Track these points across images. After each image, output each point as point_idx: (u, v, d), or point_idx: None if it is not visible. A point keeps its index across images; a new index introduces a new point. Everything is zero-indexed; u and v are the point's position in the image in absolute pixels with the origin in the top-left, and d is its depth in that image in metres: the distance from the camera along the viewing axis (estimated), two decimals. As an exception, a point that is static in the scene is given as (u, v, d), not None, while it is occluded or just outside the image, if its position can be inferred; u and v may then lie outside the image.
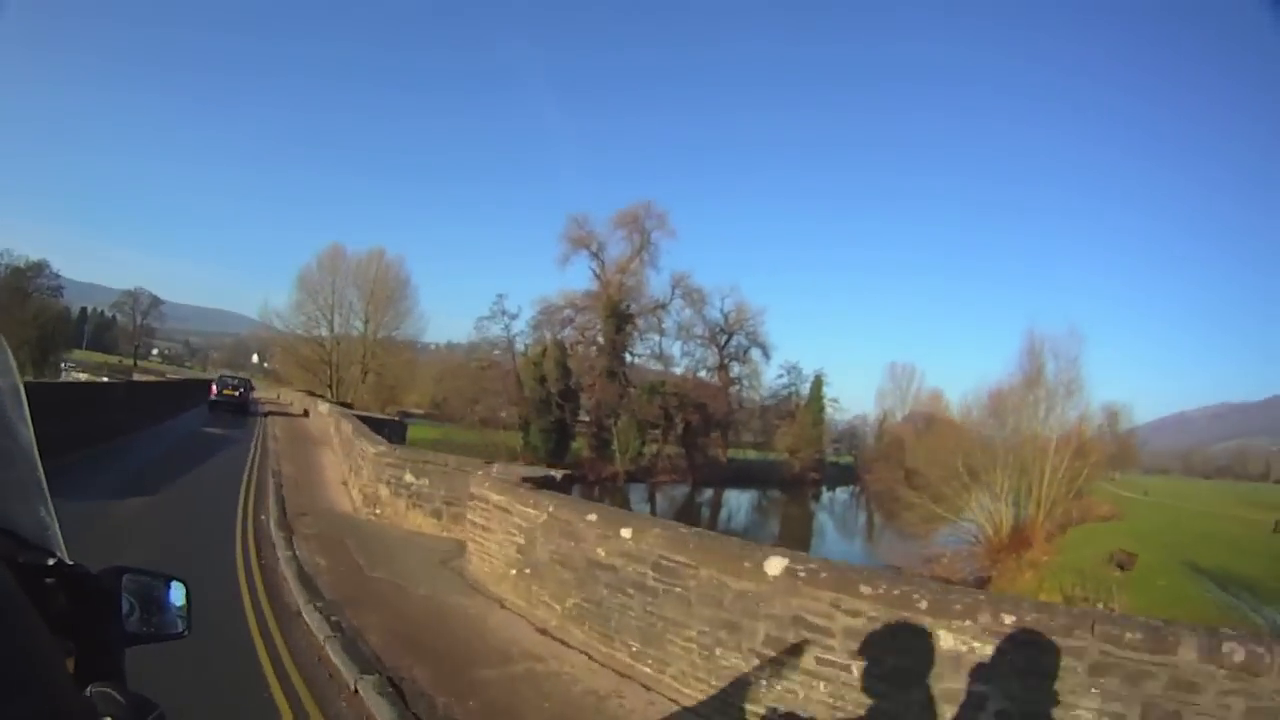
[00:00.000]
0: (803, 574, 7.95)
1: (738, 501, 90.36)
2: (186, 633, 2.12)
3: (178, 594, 2.11)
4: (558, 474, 15.78)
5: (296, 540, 14.91)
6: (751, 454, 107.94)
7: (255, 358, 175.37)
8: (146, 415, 37.38)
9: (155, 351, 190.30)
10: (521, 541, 12.28)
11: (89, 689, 1.47)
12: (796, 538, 70.68)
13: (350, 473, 23.38)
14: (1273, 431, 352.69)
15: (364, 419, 33.26)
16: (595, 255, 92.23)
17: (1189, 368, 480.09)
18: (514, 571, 12.40)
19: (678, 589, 9.22)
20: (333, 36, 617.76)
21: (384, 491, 18.35)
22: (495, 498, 13.18)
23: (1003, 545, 55.48)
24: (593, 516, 10.89)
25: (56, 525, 1.81)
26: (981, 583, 45.99)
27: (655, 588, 9.53)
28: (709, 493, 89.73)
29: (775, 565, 8.23)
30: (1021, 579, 46.95)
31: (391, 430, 34.03)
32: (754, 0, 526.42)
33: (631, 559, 9.92)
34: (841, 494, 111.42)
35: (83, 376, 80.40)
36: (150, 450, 28.68)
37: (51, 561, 1.69)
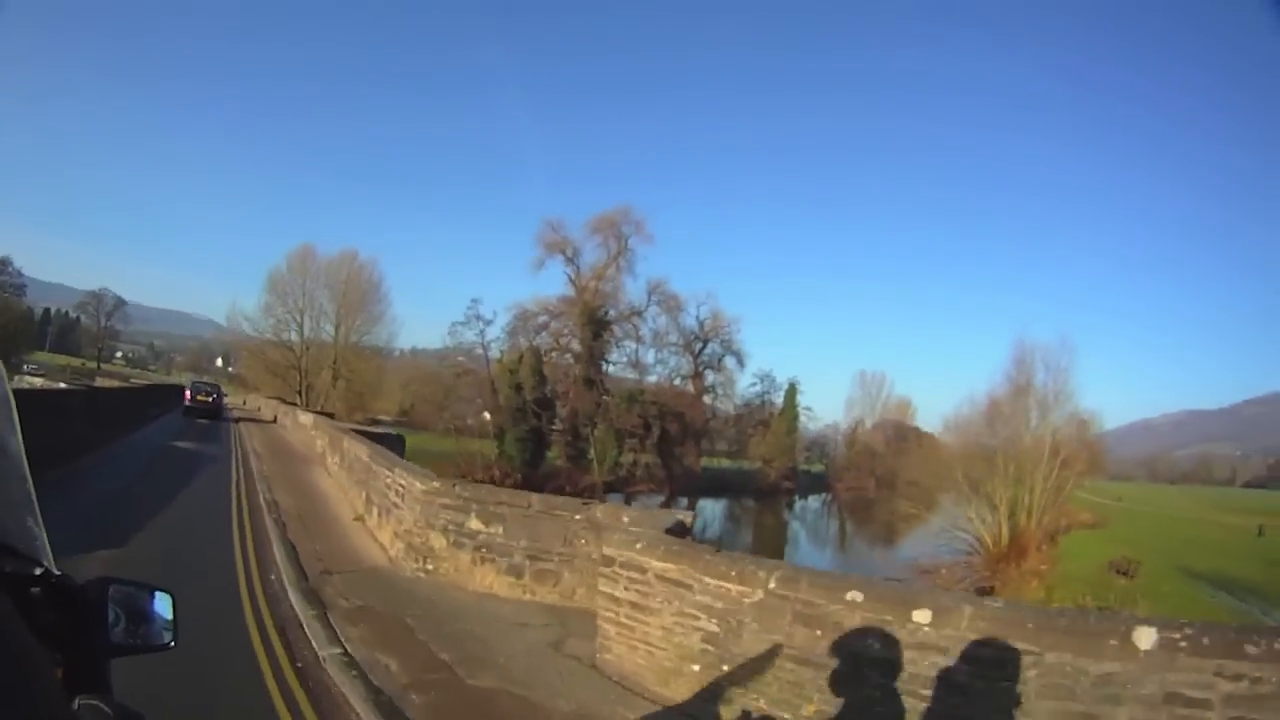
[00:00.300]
0: (1183, 644, 6.18)
1: (712, 511, 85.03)
2: (173, 644, 2.10)
3: (164, 605, 2.08)
4: (687, 518, 11.86)
5: (336, 620, 10.02)
6: (726, 463, 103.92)
7: (220, 362, 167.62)
8: (109, 427, 31.89)
9: (119, 354, 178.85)
10: (713, 629, 8.49)
11: (76, 701, 1.47)
12: (771, 547, 67.19)
13: (369, 506, 18.64)
14: (1235, 438, 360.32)
15: (360, 433, 28.15)
16: (570, 260, 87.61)
17: (1151, 376, 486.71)
18: (696, 667, 8.55)
19: (1004, 683, 6.71)
20: (305, 40, 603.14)
21: (439, 541, 13.47)
22: (657, 565, 9.08)
23: (1002, 555, 52.98)
24: (855, 595, 7.67)
25: (44, 535, 1.80)
26: (984, 592, 42.63)
27: (968, 684, 6.86)
28: (684, 502, 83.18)
29: (1146, 637, 6.31)
30: (1027, 588, 44.70)
31: (390, 445, 26.89)
32: (731, 9, 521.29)
33: (927, 649, 7.13)
34: (813, 502, 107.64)
35: (38, 382, 74.75)
36: (114, 476, 23.38)
37: (38, 571, 1.67)
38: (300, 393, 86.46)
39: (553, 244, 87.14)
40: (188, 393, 57.01)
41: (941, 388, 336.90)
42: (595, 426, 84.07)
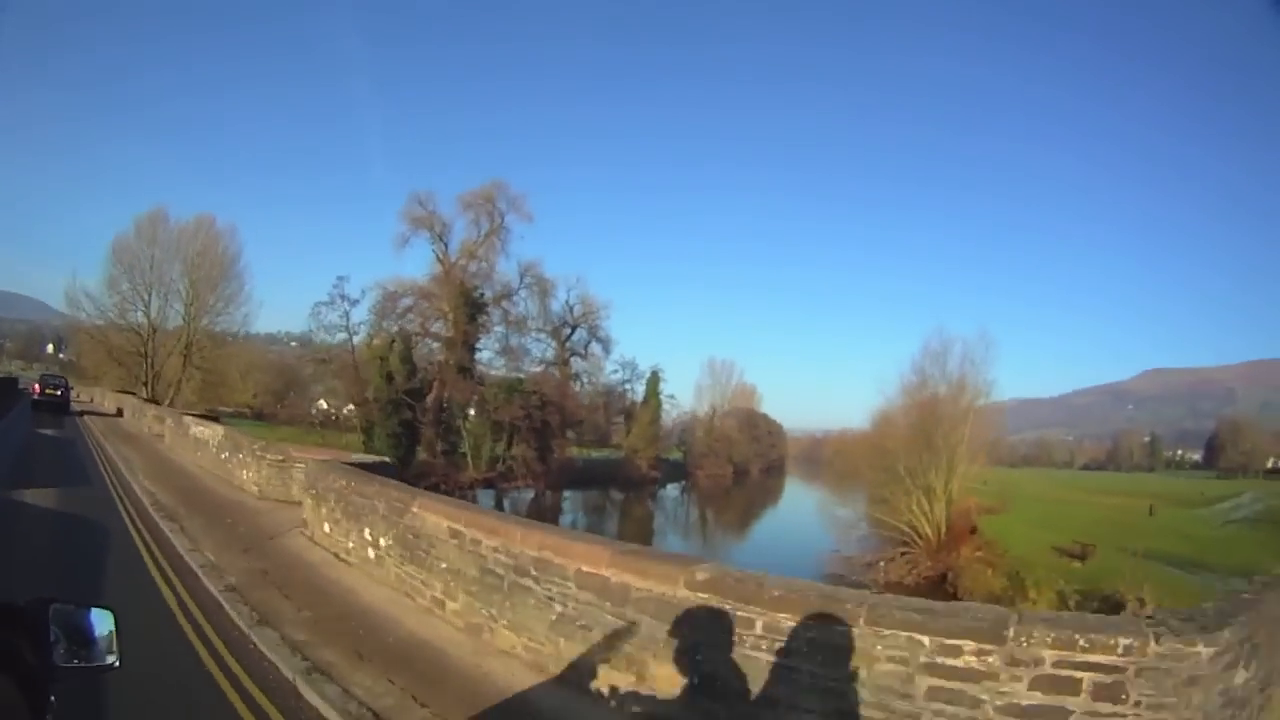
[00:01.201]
0: None
1: (580, 502, 78.24)
2: (118, 664, 2.02)
3: (105, 623, 1.99)
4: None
5: None
6: (593, 452, 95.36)
7: (51, 348, 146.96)
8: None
9: None
10: None
11: None
12: (639, 538, 58.89)
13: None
14: (1066, 424, 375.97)
15: (360, 467, 16.77)
16: (439, 238, 76.58)
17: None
18: None
19: None
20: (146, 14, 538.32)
21: None
22: None
23: (941, 545, 50.22)
24: None
25: None
26: (937, 584, 44.30)
27: None
28: (550, 495, 76.37)
29: None
30: (984, 577, 42.67)
31: (385, 475, 15.99)
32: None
33: None
34: (673, 490, 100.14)
35: None
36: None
37: None
38: (147, 384, 72.67)
39: (420, 219, 76.24)
40: (36, 386, 56.71)
41: (782, 374, 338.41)
42: (468, 418, 74.43)
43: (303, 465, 18.90)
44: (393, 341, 70.96)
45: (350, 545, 13.96)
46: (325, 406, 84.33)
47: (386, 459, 25.10)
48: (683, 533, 73.75)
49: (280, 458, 20.90)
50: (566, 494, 77.79)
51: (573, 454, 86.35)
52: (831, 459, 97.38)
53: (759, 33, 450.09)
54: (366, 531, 13.39)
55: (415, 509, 11.94)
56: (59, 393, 54.18)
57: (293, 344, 75.13)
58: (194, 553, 14.07)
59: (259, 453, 21.88)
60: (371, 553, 13.19)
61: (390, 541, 12.61)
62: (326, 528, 15.13)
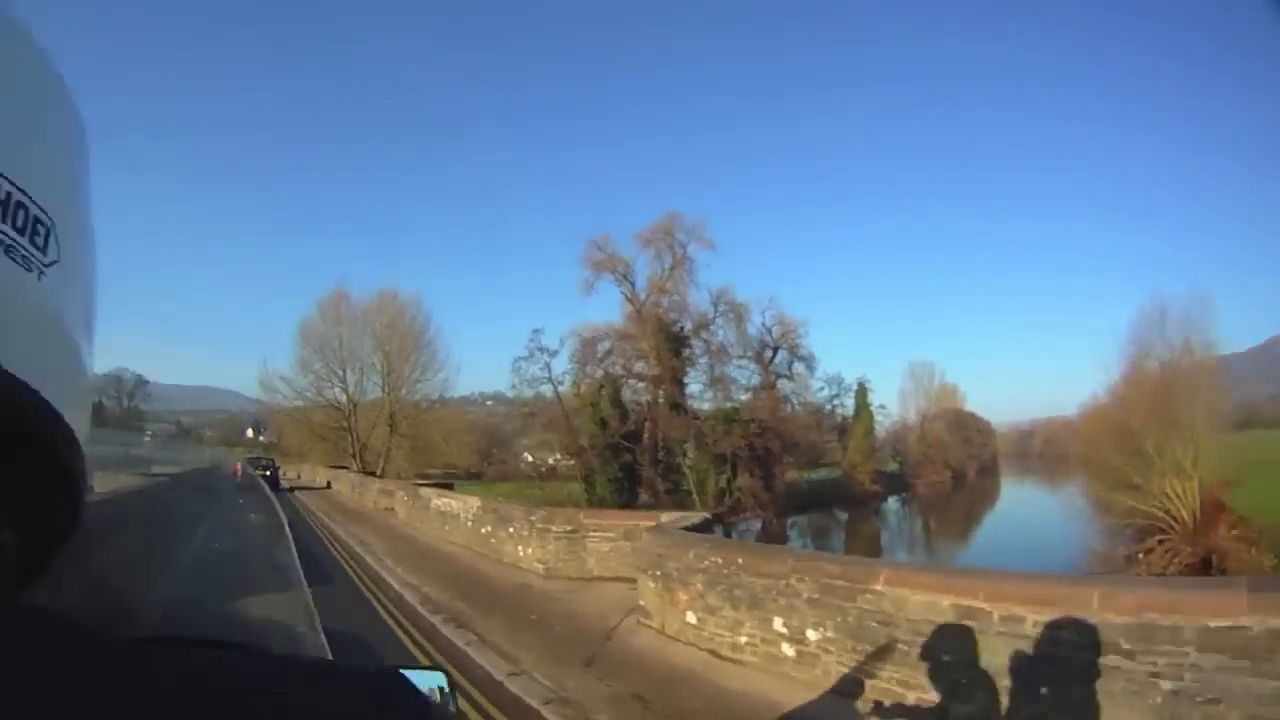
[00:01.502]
0: None
1: (806, 526, 78.50)
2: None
3: (434, 681, 1.90)
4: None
5: None
6: (810, 474, 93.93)
7: (250, 432, 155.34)
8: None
9: (148, 436, 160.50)
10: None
11: None
12: (869, 554, 59.31)
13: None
14: (1269, 377, 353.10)
15: (686, 529, 13.77)
16: (624, 278, 77.40)
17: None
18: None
19: None
20: (284, 88, 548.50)
21: None
22: None
23: (1197, 528, 45.33)
24: None
25: (324, 638, 2.08)
26: (1200, 570, 39.70)
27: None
28: (775, 522, 74.31)
29: None
30: (1250, 557, 38.95)
31: (708, 533, 15.06)
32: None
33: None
34: (894, 503, 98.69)
35: None
36: None
37: None
38: (355, 455, 76.50)
39: (601, 263, 76.97)
40: (238, 466, 57.65)
41: (980, 367, 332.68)
42: (686, 455, 73.83)
43: (600, 535, 17.26)
44: (601, 387, 72.06)
45: (741, 640, 10.83)
46: (531, 459, 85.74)
47: (707, 515, 20.46)
48: (909, 546, 72.80)
49: (570, 528, 18.01)
50: (791, 519, 77.03)
51: (794, 477, 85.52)
52: (1044, 450, 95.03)
53: (941, 30, 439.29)
54: (777, 622, 10.33)
55: (879, 587, 8.92)
56: (268, 472, 57.56)
57: (488, 402, 77.77)
58: (517, 676, 10.08)
59: (539, 524, 18.65)
60: (788, 649, 10.14)
61: (830, 633, 9.57)
62: (690, 618, 11.75)
